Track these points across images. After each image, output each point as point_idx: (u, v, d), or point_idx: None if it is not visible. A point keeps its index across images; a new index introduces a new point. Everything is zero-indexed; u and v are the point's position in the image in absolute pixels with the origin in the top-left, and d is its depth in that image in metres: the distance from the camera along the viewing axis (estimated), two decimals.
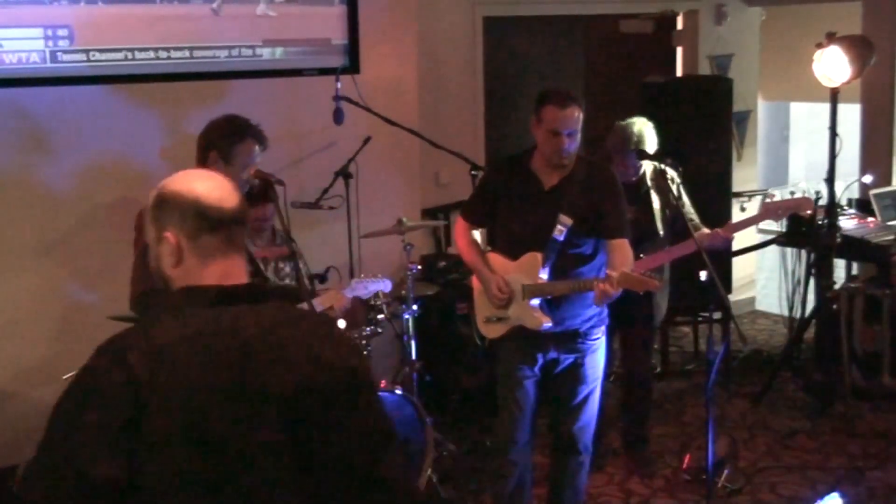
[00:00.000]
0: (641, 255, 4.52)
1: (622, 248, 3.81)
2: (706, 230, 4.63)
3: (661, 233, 4.65)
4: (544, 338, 3.85)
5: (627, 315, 4.66)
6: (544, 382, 3.98)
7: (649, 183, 4.64)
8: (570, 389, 3.94)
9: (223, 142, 3.56)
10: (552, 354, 3.90)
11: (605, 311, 3.96)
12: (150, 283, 3.42)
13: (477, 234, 4.10)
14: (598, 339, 3.95)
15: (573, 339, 3.88)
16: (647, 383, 5.04)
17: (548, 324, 3.79)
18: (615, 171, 4.59)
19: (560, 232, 3.76)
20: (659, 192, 4.62)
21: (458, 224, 4.09)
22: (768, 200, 4.59)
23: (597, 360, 3.96)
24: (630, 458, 5.02)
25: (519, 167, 3.90)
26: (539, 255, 3.78)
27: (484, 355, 4.10)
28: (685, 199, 4.72)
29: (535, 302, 3.81)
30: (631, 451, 5.04)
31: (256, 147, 3.60)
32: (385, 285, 4.06)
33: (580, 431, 3.99)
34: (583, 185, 3.81)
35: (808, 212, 5.91)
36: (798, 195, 4.78)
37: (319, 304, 3.76)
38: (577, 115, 3.76)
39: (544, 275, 3.78)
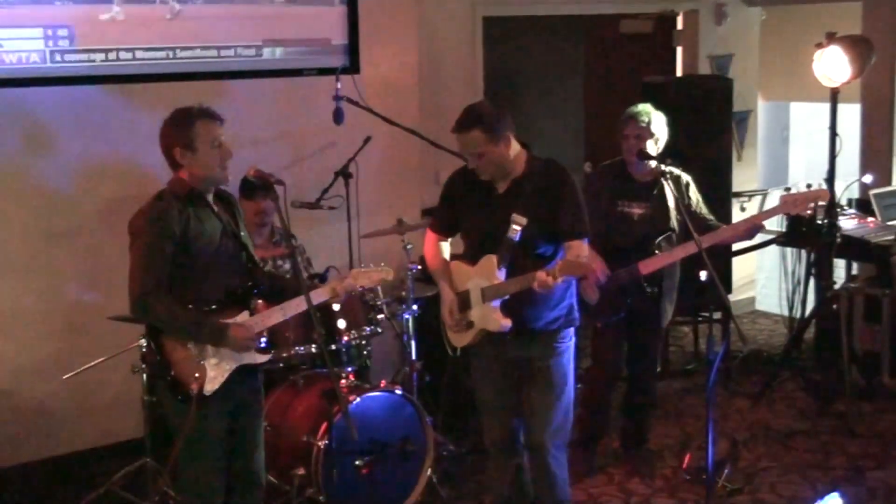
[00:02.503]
0: (657, 252, 4.53)
1: (577, 249, 3.74)
2: (725, 226, 4.63)
3: (676, 229, 4.64)
4: (511, 341, 3.82)
5: (635, 317, 4.66)
6: (517, 385, 3.95)
7: (663, 181, 4.61)
8: (538, 393, 3.90)
9: (177, 135, 3.55)
10: (519, 357, 3.88)
11: (575, 314, 3.93)
12: (152, 286, 3.47)
13: (446, 246, 4.08)
14: (565, 342, 3.91)
15: (539, 342, 3.85)
16: (650, 385, 5.02)
17: (507, 325, 3.75)
18: (628, 163, 4.61)
19: (514, 232, 3.73)
20: (677, 190, 4.61)
21: (427, 235, 4.07)
22: (785, 193, 4.55)
23: (564, 363, 3.92)
24: (630, 458, 5.02)
25: (473, 175, 3.88)
26: (494, 257, 3.75)
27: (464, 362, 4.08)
28: (699, 199, 4.72)
29: (496, 303, 3.78)
30: (631, 451, 5.04)
31: (213, 124, 3.56)
32: (387, 274, 4.01)
33: (548, 437, 3.93)
34: (536, 185, 3.78)
35: (809, 211, 5.93)
36: (815, 187, 4.73)
37: (318, 296, 3.74)
38: (475, 138, 3.71)
39: (501, 276, 3.75)
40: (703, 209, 4.72)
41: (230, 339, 3.54)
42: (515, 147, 3.83)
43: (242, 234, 3.73)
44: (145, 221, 3.53)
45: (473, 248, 3.90)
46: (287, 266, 4.80)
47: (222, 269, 3.62)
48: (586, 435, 4.95)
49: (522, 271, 3.69)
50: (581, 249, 3.74)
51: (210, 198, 3.63)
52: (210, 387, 3.53)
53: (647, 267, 4.51)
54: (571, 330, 3.94)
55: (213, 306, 3.59)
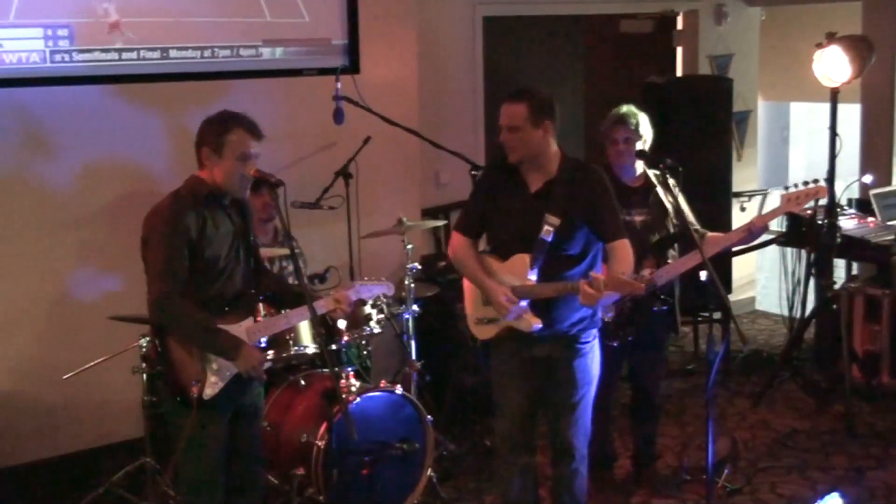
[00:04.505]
0: (669, 261, 4.45)
1: (622, 249, 3.76)
2: (710, 233, 4.56)
3: (671, 232, 4.56)
4: (534, 340, 3.82)
5: (647, 329, 4.54)
6: (538, 385, 3.95)
7: (657, 186, 4.55)
8: (562, 393, 3.91)
9: (211, 135, 3.53)
10: (542, 357, 3.87)
11: (598, 315, 3.93)
12: (173, 287, 3.45)
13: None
14: (589, 342, 3.91)
15: (563, 342, 3.85)
16: (656, 395, 4.84)
17: (538, 325, 3.76)
18: (615, 168, 4.57)
19: (548, 233, 3.73)
20: (669, 194, 4.56)
21: (455, 239, 3.97)
22: (784, 192, 4.54)
23: (588, 363, 3.91)
24: (639, 473, 4.90)
25: (507, 172, 3.89)
26: (527, 257, 3.76)
27: (483, 355, 4.07)
28: (684, 205, 4.63)
29: (524, 303, 3.79)
30: (641, 467, 4.90)
31: (248, 137, 3.54)
32: (388, 289, 4.06)
33: (573, 436, 3.95)
34: (569, 186, 3.79)
35: (809, 211, 5.94)
36: (811, 185, 4.69)
37: (322, 306, 3.74)
38: (518, 111, 3.76)
39: (533, 276, 3.76)
40: (690, 214, 4.58)
41: (240, 359, 3.54)
42: (554, 146, 3.84)
43: (252, 238, 3.74)
44: (162, 220, 3.50)
45: (503, 246, 3.89)
46: (291, 267, 4.81)
47: (230, 272, 3.62)
48: (598, 458, 4.62)
49: (553, 272, 3.73)
50: (626, 250, 3.75)
51: (226, 201, 3.63)
52: (209, 391, 3.53)
53: (662, 278, 4.35)
54: (595, 330, 3.94)
55: (219, 309, 3.59)
